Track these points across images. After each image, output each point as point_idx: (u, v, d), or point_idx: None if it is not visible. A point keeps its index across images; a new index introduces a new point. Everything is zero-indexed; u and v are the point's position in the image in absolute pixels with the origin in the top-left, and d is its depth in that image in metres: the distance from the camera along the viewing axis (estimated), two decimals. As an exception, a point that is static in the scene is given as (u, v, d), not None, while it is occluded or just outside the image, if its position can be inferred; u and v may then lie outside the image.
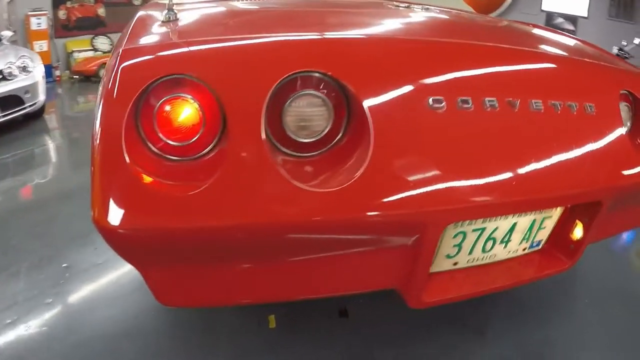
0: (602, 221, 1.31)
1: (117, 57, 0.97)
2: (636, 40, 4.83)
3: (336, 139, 1.01)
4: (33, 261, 2.10)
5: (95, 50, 8.55)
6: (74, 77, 8.05)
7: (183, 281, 1.00)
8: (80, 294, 1.89)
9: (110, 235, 0.88)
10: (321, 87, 0.99)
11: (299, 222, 0.90)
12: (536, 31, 1.86)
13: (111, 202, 0.86)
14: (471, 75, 1.14)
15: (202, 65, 0.95)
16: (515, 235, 1.26)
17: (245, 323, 1.66)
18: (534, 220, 1.26)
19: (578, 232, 1.34)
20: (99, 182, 0.88)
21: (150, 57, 0.96)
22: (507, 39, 1.59)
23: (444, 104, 1.03)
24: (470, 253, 1.22)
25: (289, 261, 0.99)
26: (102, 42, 8.70)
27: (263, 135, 0.91)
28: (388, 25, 1.47)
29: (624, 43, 5.20)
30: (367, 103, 0.97)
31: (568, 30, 7.36)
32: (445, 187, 0.99)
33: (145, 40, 1.08)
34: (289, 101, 0.97)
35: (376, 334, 1.64)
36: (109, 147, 0.88)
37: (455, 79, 1.10)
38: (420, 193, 0.97)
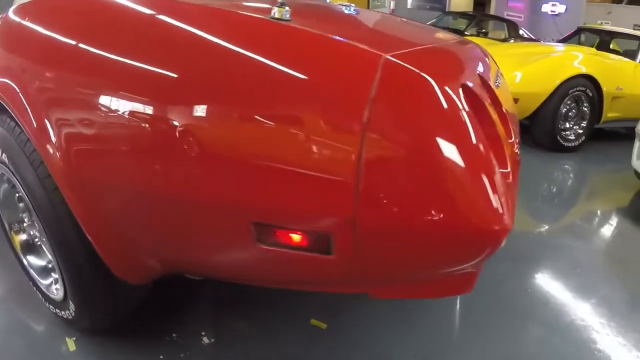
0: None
1: (389, 69, 0.89)
2: (392, 5, 5.98)
3: None
4: None
5: None
6: None
7: None
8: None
9: (501, 238, 0.91)
10: None
11: None
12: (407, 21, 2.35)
13: (497, 208, 0.89)
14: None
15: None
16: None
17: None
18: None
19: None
20: (479, 193, 0.88)
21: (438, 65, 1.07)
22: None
23: None
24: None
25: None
26: None
27: None
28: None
29: (380, 9, 6.32)
30: None
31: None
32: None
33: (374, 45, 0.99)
34: None
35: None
36: (482, 159, 0.90)
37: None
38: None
